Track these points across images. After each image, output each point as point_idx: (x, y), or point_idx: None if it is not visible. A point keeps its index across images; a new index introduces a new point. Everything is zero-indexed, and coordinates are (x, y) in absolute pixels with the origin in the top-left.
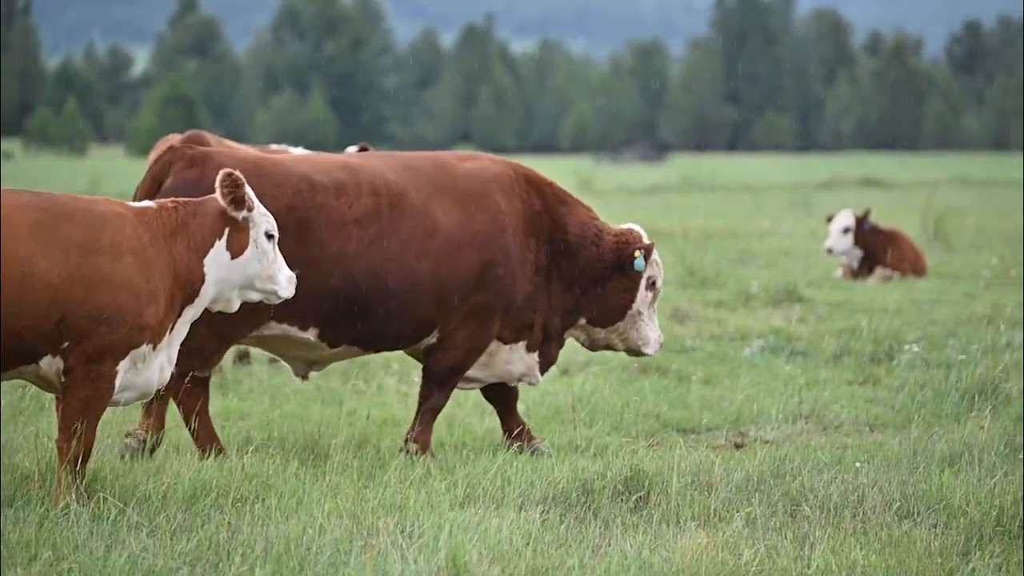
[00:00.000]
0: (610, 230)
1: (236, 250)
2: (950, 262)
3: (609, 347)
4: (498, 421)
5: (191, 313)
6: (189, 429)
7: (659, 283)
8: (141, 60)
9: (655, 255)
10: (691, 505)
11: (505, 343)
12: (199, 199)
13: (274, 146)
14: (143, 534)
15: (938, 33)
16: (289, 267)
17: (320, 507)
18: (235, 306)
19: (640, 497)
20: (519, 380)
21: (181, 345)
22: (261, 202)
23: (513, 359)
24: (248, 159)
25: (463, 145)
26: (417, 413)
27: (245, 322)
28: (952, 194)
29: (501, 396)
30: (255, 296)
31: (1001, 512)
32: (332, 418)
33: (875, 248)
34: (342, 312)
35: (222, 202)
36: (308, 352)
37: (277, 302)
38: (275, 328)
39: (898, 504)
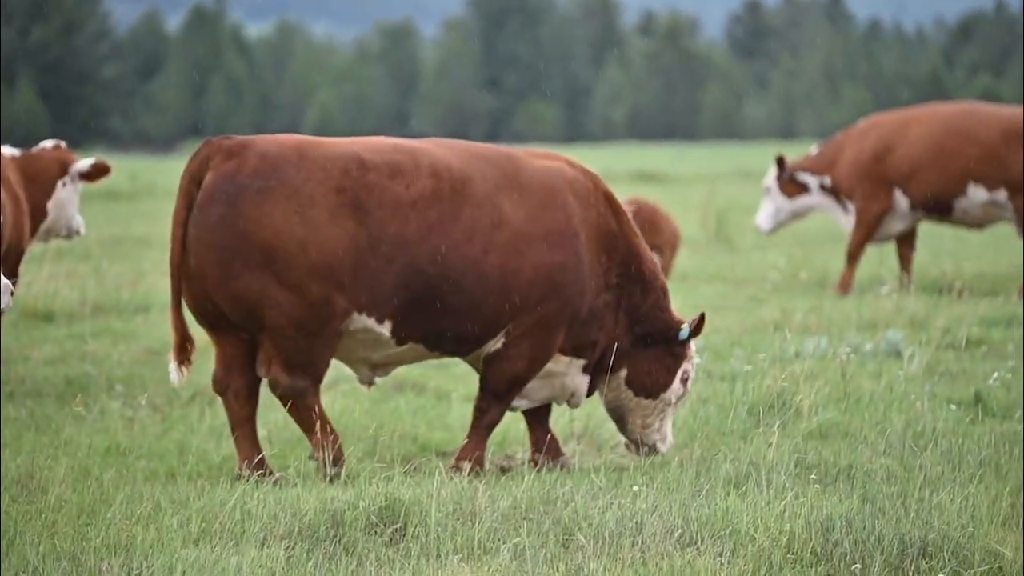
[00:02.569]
0: (669, 300)
1: None
2: (734, 265)
3: (621, 420)
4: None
5: None
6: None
7: (689, 385)
8: None
9: (693, 352)
10: (453, 537)
11: (565, 355)
12: None
13: None
14: None
15: (717, 12)
16: (349, 250)
17: (35, 549)
18: None
19: (396, 529)
20: (566, 400)
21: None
22: (307, 186)
23: (571, 372)
24: (288, 143)
25: (193, 140)
26: (471, 428)
27: (327, 311)
28: (735, 189)
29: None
30: None
31: (792, 537)
32: (48, 447)
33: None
34: (410, 303)
35: None
36: (374, 352)
37: None
38: (358, 321)
39: (680, 531)
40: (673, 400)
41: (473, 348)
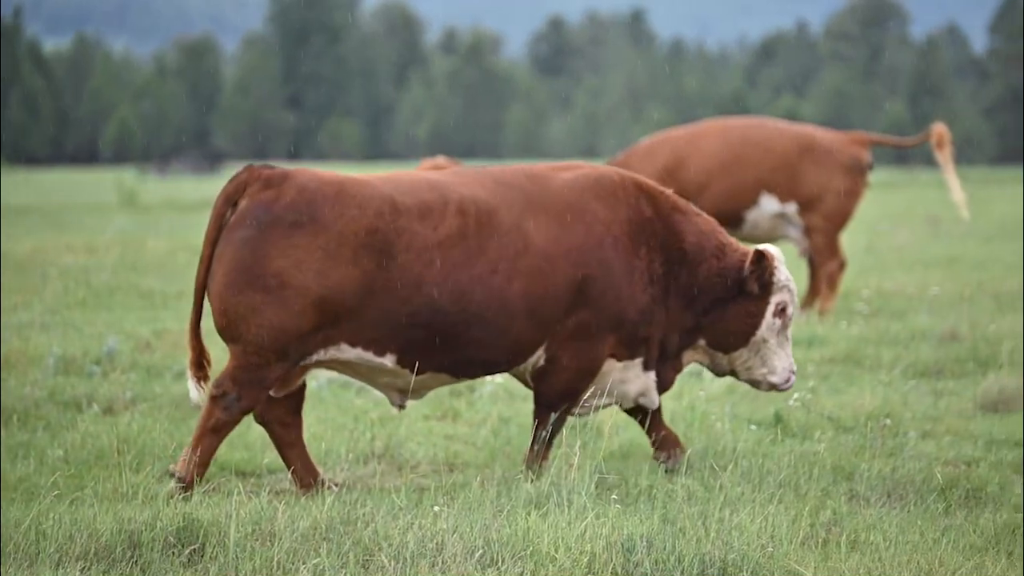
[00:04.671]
0: (736, 247)
1: None
2: None
3: (733, 374)
4: (33, 464)
5: None
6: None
7: (790, 309)
8: None
9: (785, 278)
10: (251, 558)
11: (619, 360)
12: None
13: None
14: None
15: (520, 30)
16: (368, 290)
17: None
18: None
19: (194, 550)
20: (635, 401)
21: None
22: (340, 223)
23: (628, 377)
24: (328, 179)
25: None
26: (532, 440)
27: (312, 341)
28: None
29: (642, 411)
30: None
31: (593, 558)
32: None
33: None
34: (424, 338)
35: None
36: (395, 379)
37: None
38: (348, 352)
39: (481, 551)
40: (771, 337)
41: (506, 369)
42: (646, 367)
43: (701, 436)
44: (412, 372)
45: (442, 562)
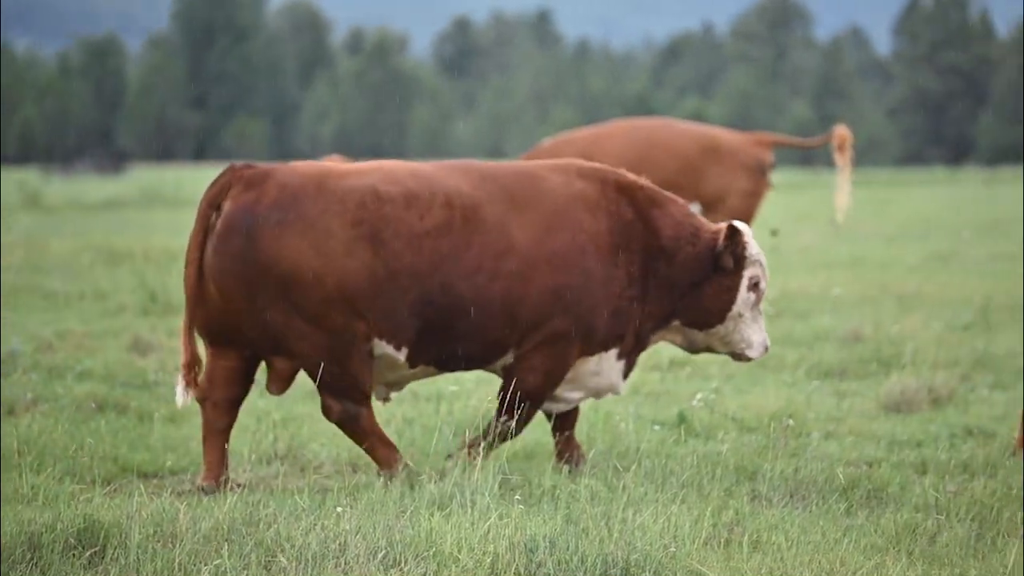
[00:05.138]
0: (708, 228)
1: None
2: None
3: (710, 350)
4: None
5: None
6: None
7: (763, 284)
8: None
9: (756, 252)
10: (153, 559)
11: (592, 355)
12: None
13: None
14: None
15: (425, 30)
16: (367, 281)
17: None
18: None
19: (95, 552)
20: (604, 393)
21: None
22: (324, 218)
23: (602, 368)
24: (308, 173)
25: None
26: (485, 431)
27: (358, 334)
28: None
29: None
30: None
31: (496, 558)
32: None
33: None
34: (424, 330)
35: None
36: (390, 373)
37: None
38: (379, 347)
39: (384, 552)
40: (745, 311)
41: (480, 366)
42: (620, 356)
43: (605, 436)
44: (410, 366)
45: (345, 563)
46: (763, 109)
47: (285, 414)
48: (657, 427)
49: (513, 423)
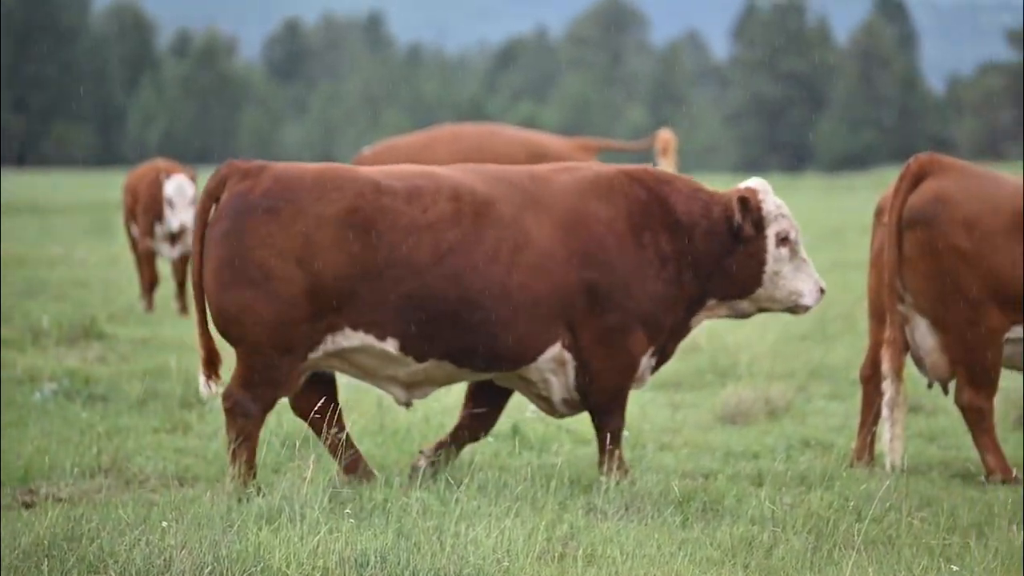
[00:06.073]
0: (717, 198)
1: None
2: None
3: (763, 311)
4: None
5: None
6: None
7: (793, 234)
8: None
9: (775, 206)
10: None
11: (648, 349)
12: None
13: None
14: None
15: (254, 33)
16: (357, 270)
17: None
18: None
19: None
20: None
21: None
22: (319, 206)
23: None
24: (309, 168)
25: None
26: (599, 447)
27: (316, 329)
28: None
29: (496, 398)
30: None
31: (326, 573)
32: None
33: None
34: (423, 322)
35: None
36: (398, 369)
37: None
38: (353, 337)
39: (210, 567)
40: (782, 267)
41: (513, 367)
42: (653, 354)
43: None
44: (415, 360)
45: None
46: (599, 114)
47: (110, 426)
48: (491, 439)
49: (613, 422)
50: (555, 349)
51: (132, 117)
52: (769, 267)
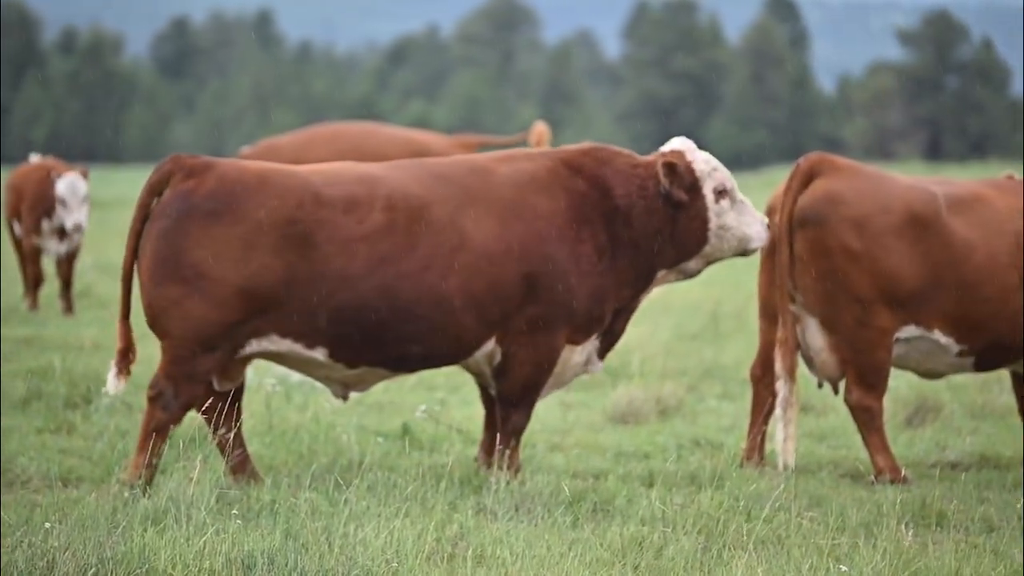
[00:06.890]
0: (646, 167)
1: None
2: None
3: (716, 261)
4: None
5: None
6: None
7: (728, 183)
8: None
9: (704, 162)
10: None
11: (577, 345)
12: None
13: None
14: None
15: (142, 30)
16: (291, 282)
17: None
18: None
19: None
20: (581, 373)
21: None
22: (260, 212)
23: (587, 350)
24: (251, 169)
25: None
26: (500, 439)
27: (241, 332)
28: None
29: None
30: None
31: (213, 574)
32: None
33: None
34: (353, 333)
35: None
36: (330, 372)
37: None
38: (280, 343)
39: (94, 569)
40: (726, 219)
41: (450, 363)
42: (597, 337)
43: (327, 449)
44: (347, 367)
45: None
46: (490, 113)
47: None
48: (381, 439)
49: (518, 417)
50: (490, 344)
51: (16, 115)
52: (713, 223)
